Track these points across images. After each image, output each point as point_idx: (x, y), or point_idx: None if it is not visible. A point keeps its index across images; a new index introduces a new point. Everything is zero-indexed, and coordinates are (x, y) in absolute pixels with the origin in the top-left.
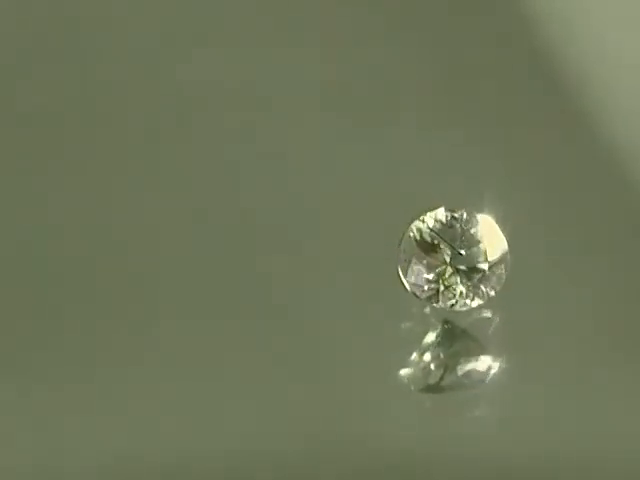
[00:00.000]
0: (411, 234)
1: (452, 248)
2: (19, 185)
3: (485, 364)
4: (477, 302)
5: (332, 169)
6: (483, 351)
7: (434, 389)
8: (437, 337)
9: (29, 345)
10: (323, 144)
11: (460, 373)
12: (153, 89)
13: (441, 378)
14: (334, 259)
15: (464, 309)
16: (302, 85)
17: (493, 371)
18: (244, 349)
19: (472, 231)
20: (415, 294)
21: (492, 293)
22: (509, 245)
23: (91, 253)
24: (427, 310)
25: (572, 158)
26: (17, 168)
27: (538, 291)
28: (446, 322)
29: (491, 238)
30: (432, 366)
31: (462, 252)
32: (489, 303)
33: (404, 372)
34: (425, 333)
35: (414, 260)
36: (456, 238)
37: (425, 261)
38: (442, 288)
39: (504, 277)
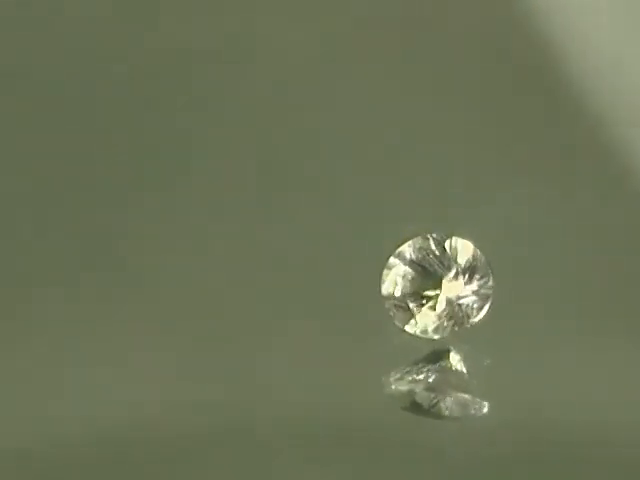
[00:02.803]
0: (400, 274)
1: (443, 274)
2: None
3: (470, 399)
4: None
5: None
6: (470, 387)
7: (416, 410)
8: (429, 361)
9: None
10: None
11: (444, 403)
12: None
13: (424, 402)
14: (331, 260)
15: (449, 334)
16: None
17: (477, 407)
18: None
19: (456, 255)
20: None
21: (480, 315)
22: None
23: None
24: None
25: (571, 162)
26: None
27: (529, 333)
28: (446, 351)
29: (469, 257)
30: (418, 388)
31: (457, 278)
32: (478, 332)
33: (392, 384)
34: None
35: (410, 302)
36: (444, 264)
37: (418, 297)
38: (435, 318)
39: (490, 296)
